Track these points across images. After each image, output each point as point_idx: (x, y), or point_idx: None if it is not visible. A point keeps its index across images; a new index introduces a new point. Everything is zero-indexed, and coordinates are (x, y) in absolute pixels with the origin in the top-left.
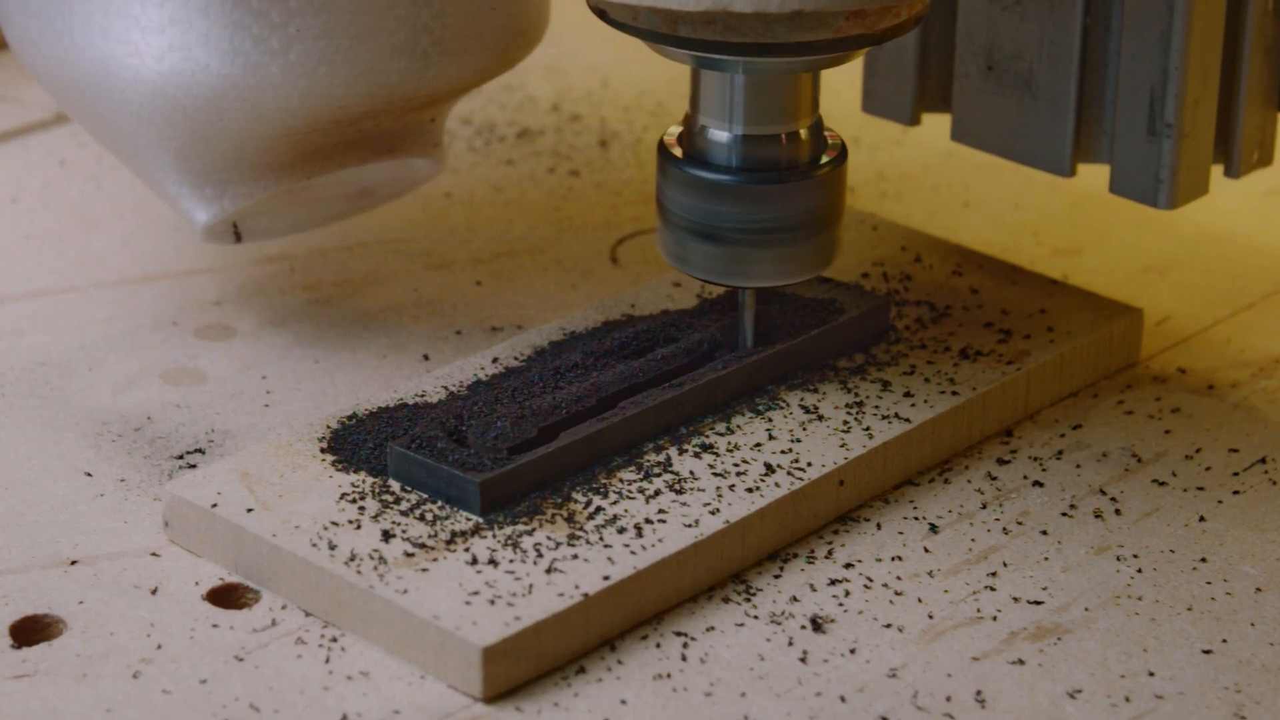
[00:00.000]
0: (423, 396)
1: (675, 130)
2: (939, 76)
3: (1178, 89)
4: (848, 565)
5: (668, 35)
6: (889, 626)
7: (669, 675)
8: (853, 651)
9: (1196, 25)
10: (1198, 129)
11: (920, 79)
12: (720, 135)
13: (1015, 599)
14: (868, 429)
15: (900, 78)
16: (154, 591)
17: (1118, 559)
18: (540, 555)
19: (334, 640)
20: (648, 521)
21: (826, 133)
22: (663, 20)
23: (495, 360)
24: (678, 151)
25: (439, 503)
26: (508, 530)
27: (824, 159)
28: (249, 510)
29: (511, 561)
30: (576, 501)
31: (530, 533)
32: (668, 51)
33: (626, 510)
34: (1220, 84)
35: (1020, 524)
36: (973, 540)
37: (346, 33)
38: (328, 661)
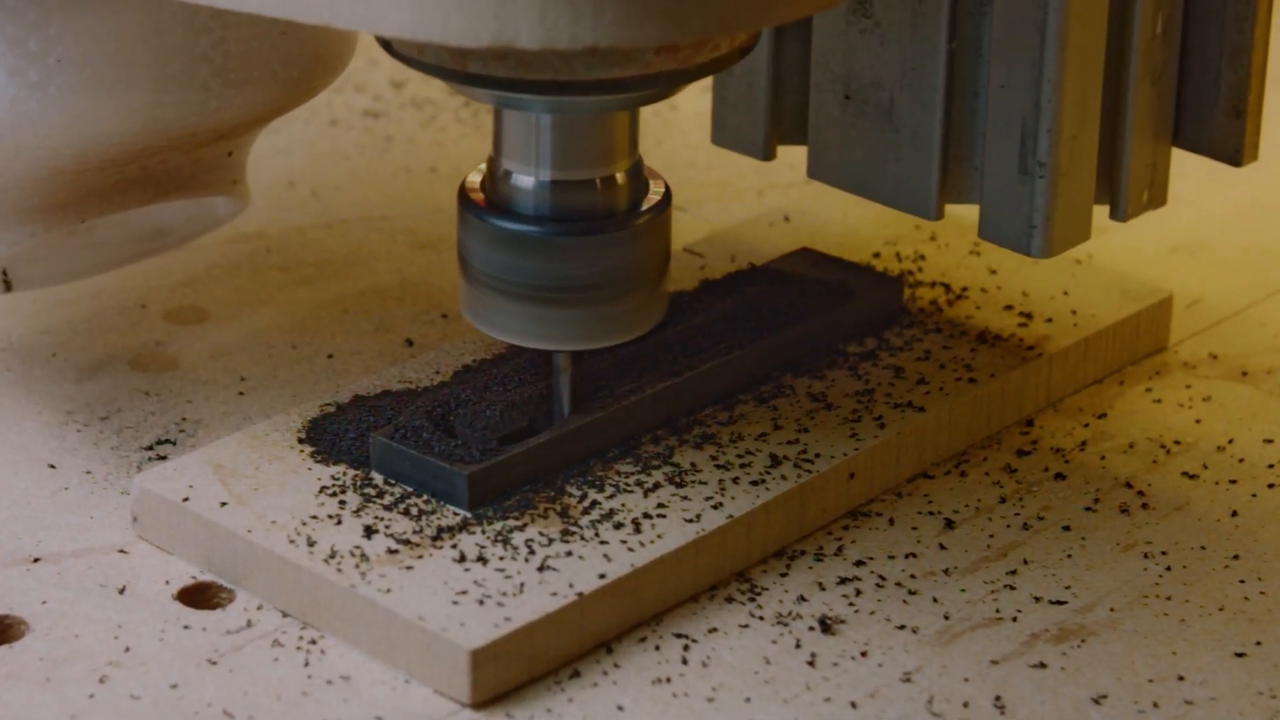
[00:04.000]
0: (407, 384)
1: (477, 176)
2: (794, 106)
3: (1051, 123)
4: (858, 563)
5: (457, 72)
6: (902, 628)
7: (669, 679)
8: (864, 654)
9: (1072, 51)
10: (1075, 168)
11: (773, 109)
12: (526, 181)
13: (1036, 599)
14: (879, 418)
15: (752, 108)
16: (122, 591)
17: (1145, 556)
18: (532, 552)
19: (313, 642)
20: (646, 516)
21: (648, 176)
22: (450, 55)
23: (484, 345)
24: (479, 199)
25: (424, 496)
26: (497, 526)
27: (644, 206)
28: (222, 504)
29: (501, 559)
30: (570, 495)
31: (521, 528)
32: (466, 90)
33: (624, 504)
34: (1103, 117)
35: (1041, 519)
36: (991, 536)
37: (113, 63)
38: (306, 665)
